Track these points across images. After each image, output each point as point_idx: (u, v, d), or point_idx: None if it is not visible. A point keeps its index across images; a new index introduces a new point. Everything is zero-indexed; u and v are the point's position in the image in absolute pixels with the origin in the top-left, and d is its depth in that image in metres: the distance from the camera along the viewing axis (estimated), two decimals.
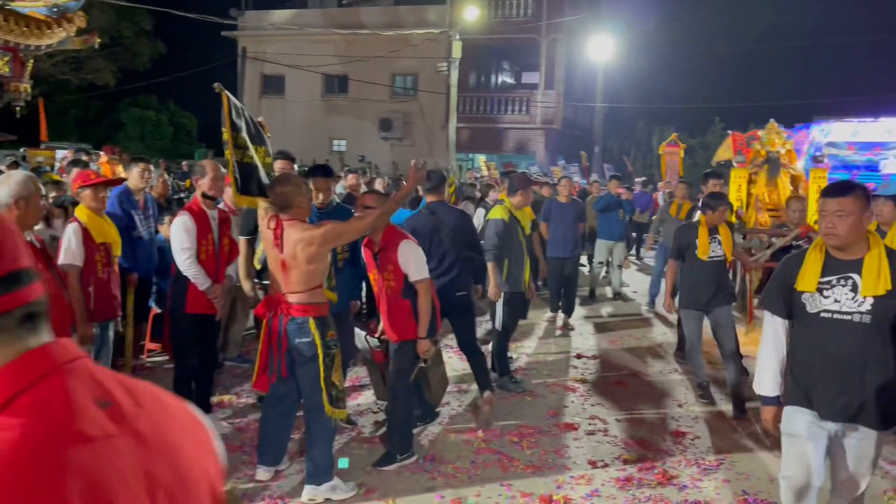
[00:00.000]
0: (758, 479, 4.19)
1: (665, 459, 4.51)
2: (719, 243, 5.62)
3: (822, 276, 2.78)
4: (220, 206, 4.79)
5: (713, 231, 5.64)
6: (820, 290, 2.79)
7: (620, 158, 24.40)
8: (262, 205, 3.85)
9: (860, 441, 2.80)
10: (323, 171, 5.04)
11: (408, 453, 4.31)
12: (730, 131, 11.03)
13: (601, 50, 24.95)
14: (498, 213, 5.81)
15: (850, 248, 2.75)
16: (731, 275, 7.56)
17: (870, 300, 2.68)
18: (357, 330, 4.99)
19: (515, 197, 5.93)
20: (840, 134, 18.75)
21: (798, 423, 2.88)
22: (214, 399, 5.18)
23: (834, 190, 2.82)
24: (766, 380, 2.96)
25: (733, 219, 8.49)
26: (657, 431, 5.01)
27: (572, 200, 8.52)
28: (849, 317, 2.72)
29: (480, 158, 21.44)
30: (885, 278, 2.65)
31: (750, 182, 9.48)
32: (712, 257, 5.58)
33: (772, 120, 9.68)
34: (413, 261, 4.12)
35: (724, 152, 13.86)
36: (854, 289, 2.72)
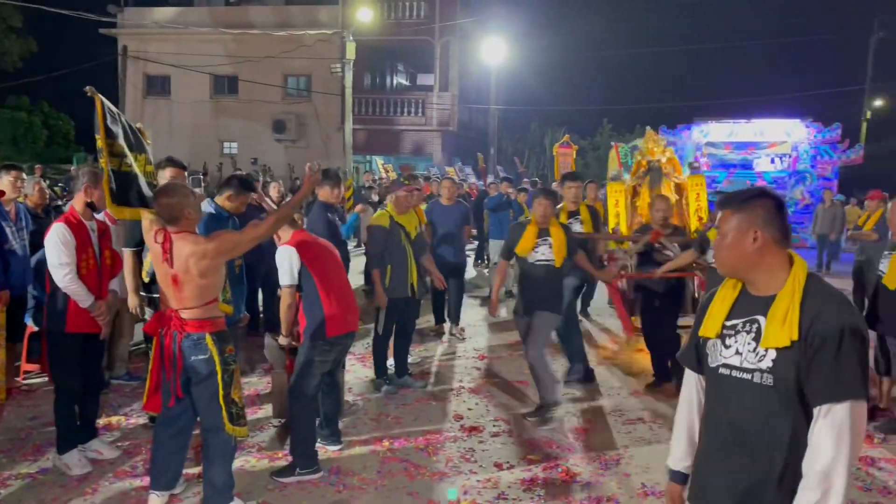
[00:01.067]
0: (656, 471, 4.34)
1: (568, 457, 4.60)
2: (549, 246, 5.23)
3: (728, 317, 2.03)
4: (100, 216, 4.49)
5: (543, 233, 5.27)
6: (722, 338, 2.02)
7: (513, 159, 24.89)
8: (146, 216, 3.61)
9: None
10: (244, 186, 4.89)
11: (310, 468, 4.20)
12: (613, 143, 10.63)
13: (494, 52, 25.37)
14: (377, 220, 5.87)
15: (758, 281, 1.98)
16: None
17: (772, 353, 1.87)
18: (268, 340, 4.82)
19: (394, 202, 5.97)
20: (717, 134, 19.88)
21: None
22: (101, 421, 4.86)
23: (722, 201, 2.09)
24: (673, 449, 2.23)
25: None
26: (560, 429, 5.10)
27: (456, 202, 8.10)
28: (748, 375, 1.92)
29: (378, 161, 21.32)
30: (792, 324, 1.84)
31: (635, 195, 9.01)
32: (540, 261, 5.24)
33: (648, 128, 9.38)
34: (281, 266, 4.26)
35: (612, 164, 14.05)
36: (757, 337, 1.92)
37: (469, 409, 5.52)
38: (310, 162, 4.75)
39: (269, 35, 24.46)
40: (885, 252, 5.25)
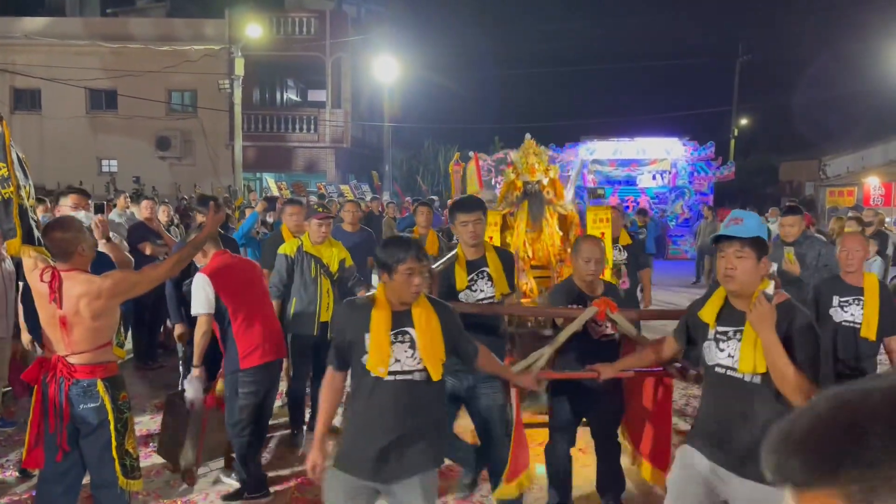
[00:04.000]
0: None
1: None
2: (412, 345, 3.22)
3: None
4: None
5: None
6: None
7: (413, 178, 24.93)
8: (30, 254, 3.28)
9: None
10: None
11: (259, 493, 4.22)
12: (472, 153, 7.11)
13: (386, 69, 25.40)
14: (284, 248, 5.26)
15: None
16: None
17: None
18: (191, 377, 4.47)
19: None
20: (603, 152, 20.74)
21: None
22: None
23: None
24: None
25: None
26: None
27: (360, 229, 7.29)
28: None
29: (270, 179, 20.78)
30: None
31: (506, 228, 5.90)
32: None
33: (528, 136, 6.35)
34: (195, 295, 4.15)
35: (471, 181, 10.10)
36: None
37: None
38: (212, 202, 4.55)
39: (150, 48, 23.41)
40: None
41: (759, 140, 38.97)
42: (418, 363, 2.75)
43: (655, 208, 19.83)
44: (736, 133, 31.51)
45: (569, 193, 6.59)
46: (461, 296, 3.86)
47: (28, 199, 3.25)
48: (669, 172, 20.51)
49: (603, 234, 5.70)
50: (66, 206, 4.34)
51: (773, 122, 37.82)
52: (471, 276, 3.90)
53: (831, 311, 4.33)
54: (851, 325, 4.26)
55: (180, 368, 5.78)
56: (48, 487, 3.37)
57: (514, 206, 6.00)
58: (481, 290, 3.91)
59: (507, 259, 4.10)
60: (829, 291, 4.39)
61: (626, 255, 6.81)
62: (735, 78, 31.69)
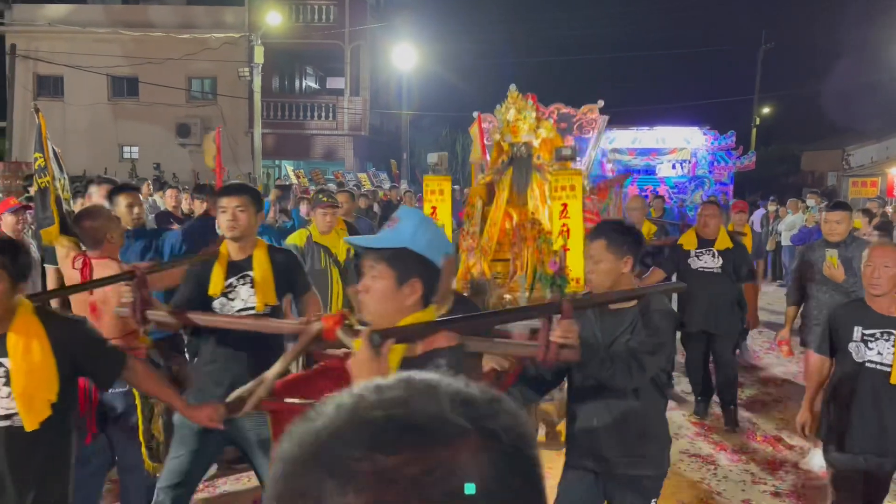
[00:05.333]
0: None
1: None
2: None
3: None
4: None
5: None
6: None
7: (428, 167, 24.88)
8: (63, 243, 3.38)
9: None
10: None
11: None
12: (475, 113, 6.32)
13: (405, 57, 25.37)
14: (292, 239, 5.21)
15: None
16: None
17: None
18: None
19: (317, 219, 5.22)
20: (622, 140, 20.63)
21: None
22: None
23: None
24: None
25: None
26: None
27: (357, 218, 7.13)
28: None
29: (288, 167, 20.90)
30: None
31: (490, 200, 5.11)
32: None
33: (512, 87, 5.15)
34: None
35: (475, 150, 7.12)
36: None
37: None
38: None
39: (170, 36, 23.56)
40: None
41: (780, 129, 38.53)
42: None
43: (674, 198, 19.72)
44: (757, 122, 31.20)
45: (587, 159, 5.90)
46: (215, 304, 3.12)
47: (63, 192, 3.36)
48: (689, 162, 20.37)
49: (565, 206, 4.55)
50: (96, 195, 4.43)
51: (795, 110, 37.37)
52: (230, 281, 3.14)
53: (851, 346, 3.24)
54: (879, 367, 3.16)
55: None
56: (77, 469, 3.47)
57: (499, 173, 5.05)
58: (241, 300, 3.15)
59: (285, 262, 3.33)
60: (849, 320, 3.29)
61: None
62: (758, 66, 31.33)
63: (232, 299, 3.13)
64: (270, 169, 25.58)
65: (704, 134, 20.19)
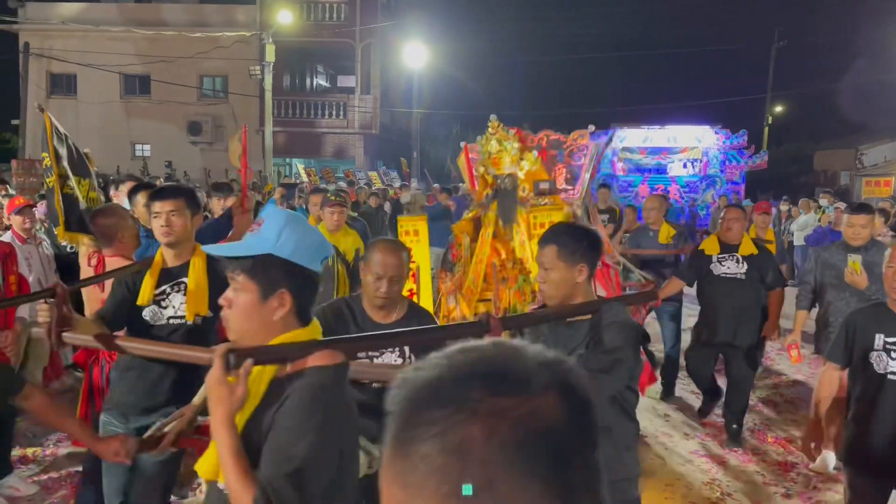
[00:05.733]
0: None
1: None
2: None
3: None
4: (5, 237, 4.21)
5: None
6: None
7: (442, 165, 24.93)
8: (84, 241, 3.42)
9: None
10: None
11: None
12: (463, 143, 6.10)
13: (415, 56, 25.38)
14: None
15: None
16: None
17: None
18: None
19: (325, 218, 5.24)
20: (633, 139, 20.55)
21: None
22: (16, 453, 4.56)
23: None
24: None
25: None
26: None
27: (352, 219, 6.72)
28: None
29: (299, 165, 20.96)
30: None
31: (476, 235, 4.93)
32: None
33: (493, 117, 5.05)
34: None
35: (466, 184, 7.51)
36: None
37: None
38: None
39: (182, 34, 23.66)
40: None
41: (793, 128, 38.31)
42: None
43: (686, 197, 19.64)
44: (770, 121, 31.00)
45: (580, 185, 5.54)
46: (146, 312, 2.95)
47: (83, 190, 3.40)
48: (700, 161, 20.26)
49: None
50: (123, 194, 4.46)
51: (808, 109, 37.14)
52: (163, 288, 3.00)
53: (873, 356, 2.96)
54: None
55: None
56: (95, 463, 3.51)
57: (483, 206, 4.88)
58: (172, 307, 2.99)
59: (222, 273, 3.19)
60: (869, 327, 3.00)
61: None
62: (770, 64, 31.14)
63: (164, 307, 2.98)
64: (281, 167, 25.65)
65: (716, 133, 20.09)
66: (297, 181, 17.79)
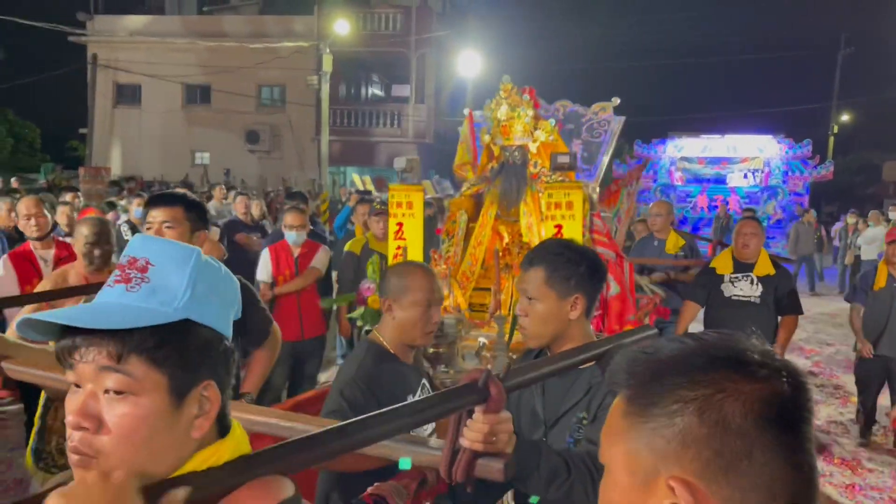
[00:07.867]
0: None
1: None
2: None
3: None
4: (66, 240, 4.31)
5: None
6: None
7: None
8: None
9: None
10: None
11: None
12: (467, 109, 4.95)
13: (470, 65, 25.39)
14: (350, 245, 5.53)
15: None
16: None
17: None
18: None
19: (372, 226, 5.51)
20: (692, 149, 20.11)
21: None
22: None
23: None
24: None
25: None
26: None
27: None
28: None
29: (354, 174, 21.16)
30: None
31: (475, 215, 4.25)
32: None
33: (505, 77, 4.18)
34: None
35: (462, 152, 5.42)
36: None
37: None
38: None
39: (243, 45, 24.21)
40: None
41: (860, 137, 36.99)
42: None
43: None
44: (836, 130, 30.00)
45: (601, 163, 4.93)
46: None
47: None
48: (762, 171, 19.69)
49: (559, 228, 3.51)
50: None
51: (876, 118, 35.78)
52: None
53: None
54: None
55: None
56: None
57: (487, 182, 4.10)
58: None
59: None
60: None
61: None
62: (836, 72, 30.15)
63: None
64: (336, 175, 25.95)
65: (779, 142, 19.51)
66: (360, 189, 17.91)
